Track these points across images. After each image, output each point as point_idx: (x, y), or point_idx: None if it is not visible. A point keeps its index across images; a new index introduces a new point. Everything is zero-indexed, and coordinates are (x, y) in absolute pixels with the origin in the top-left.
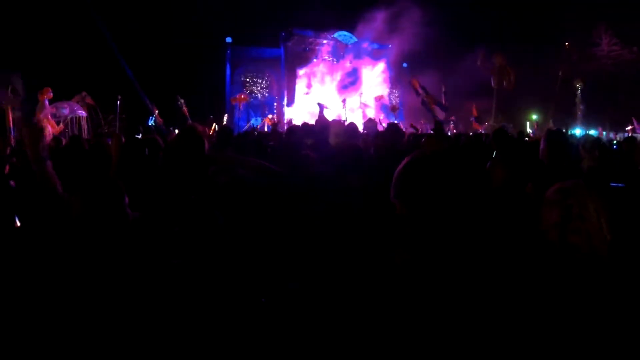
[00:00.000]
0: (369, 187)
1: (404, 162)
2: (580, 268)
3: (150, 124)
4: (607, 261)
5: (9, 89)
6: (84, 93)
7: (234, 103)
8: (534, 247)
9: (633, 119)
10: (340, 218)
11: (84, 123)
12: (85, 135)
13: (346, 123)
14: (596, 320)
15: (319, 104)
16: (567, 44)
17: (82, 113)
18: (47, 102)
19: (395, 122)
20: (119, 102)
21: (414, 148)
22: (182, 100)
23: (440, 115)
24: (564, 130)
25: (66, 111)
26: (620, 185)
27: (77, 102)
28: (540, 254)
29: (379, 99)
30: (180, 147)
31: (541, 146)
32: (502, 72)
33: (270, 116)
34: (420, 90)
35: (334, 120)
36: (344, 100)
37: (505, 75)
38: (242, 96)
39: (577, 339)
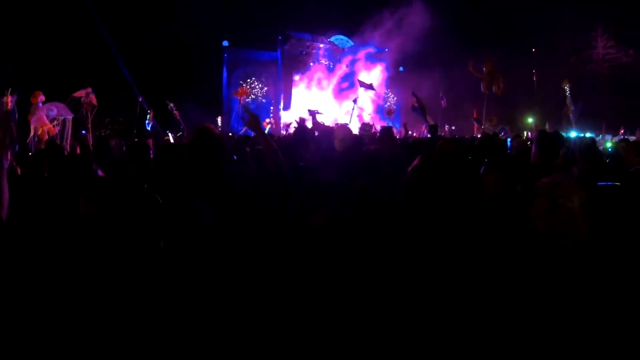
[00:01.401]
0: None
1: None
2: (565, 254)
3: (147, 128)
4: (587, 248)
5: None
6: (89, 89)
7: (234, 97)
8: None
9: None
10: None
11: (68, 125)
12: (68, 136)
13: (358, 122)
14: (580, 303)
15: (310, 111)
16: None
17: (69, 115)
18: (40, 104)
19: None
20: (139, 103)
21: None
22: (172, 104)
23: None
24: (560, 133)
25: (54, 112)
26: (609, 183)
27: (80, 97)
28: (527, 244)
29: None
30: (198, 149)
31: (532, 149)
32: (492, 78)
33: (267, 120)
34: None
35: (339, 125)
36: (354, 100)
37: (495, 81)
38: (243, 90)
39: (562, 321)
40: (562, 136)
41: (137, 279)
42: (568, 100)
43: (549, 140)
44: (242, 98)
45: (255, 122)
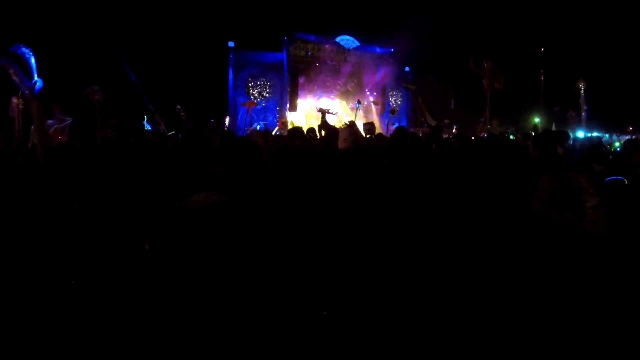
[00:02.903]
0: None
1: None
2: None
3: (147, 128)
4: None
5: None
6: (96, 87)
7: (243, 106)
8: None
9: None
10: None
11: (66, 130)
12: (66, 137)
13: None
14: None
15: (321, 110)
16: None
17: (68, 120)
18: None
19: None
20: (150, 108)
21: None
22: (179, 107)
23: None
24: (561, 131)
25: (52, 121)
26: (618, 177)
27: (88, 95)
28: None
29: (376, 103)
30: (187, 147)
31: (530, 149)
32: (493, 75)
33: (283, 120)
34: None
35: (344, 125)
36: (358, 102)
37: (496, 78)
38: (251, 102)
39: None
40: (560, 134)
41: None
42: (581, 99)
43: (544, 138)
44: (249, 108)
45: (262, 136)
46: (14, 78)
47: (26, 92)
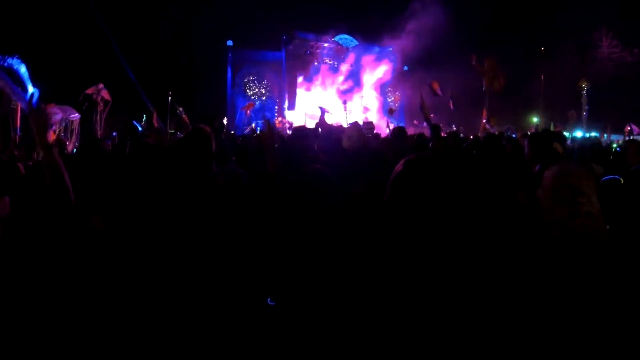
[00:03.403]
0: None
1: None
2: (588, 256)
3: (139, 129)
4: (608, 246)
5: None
6: (100, 85)
7: (242, 110)
8: (534, 244)
9: (630, 124)
10: (344, 223)
11: (76, 126)
12: (75, 138)
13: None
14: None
15: (320, 108)
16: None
17: (76, 116)
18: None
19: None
20: (170, 98)
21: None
22: (181, 109)
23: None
24: (556, 132)
25: (59, 116)
26: (614, 177)
27: (92, 93)
28: (542, 248)
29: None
30: (188, 146)
31: (525, 150)
32: (494, 74)
33: (279, 119)
34: (439, 92)
35: (351, 123)
36: (344, 102)
37: (496, 77)
38: (249, 104)
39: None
40: (558, 134)
41: (141, 278)
42: (583, 99)
43: (538, 138)
44: (248, 111)
45: (268, 135)
46: (6, 90)
47: (23, 104)
